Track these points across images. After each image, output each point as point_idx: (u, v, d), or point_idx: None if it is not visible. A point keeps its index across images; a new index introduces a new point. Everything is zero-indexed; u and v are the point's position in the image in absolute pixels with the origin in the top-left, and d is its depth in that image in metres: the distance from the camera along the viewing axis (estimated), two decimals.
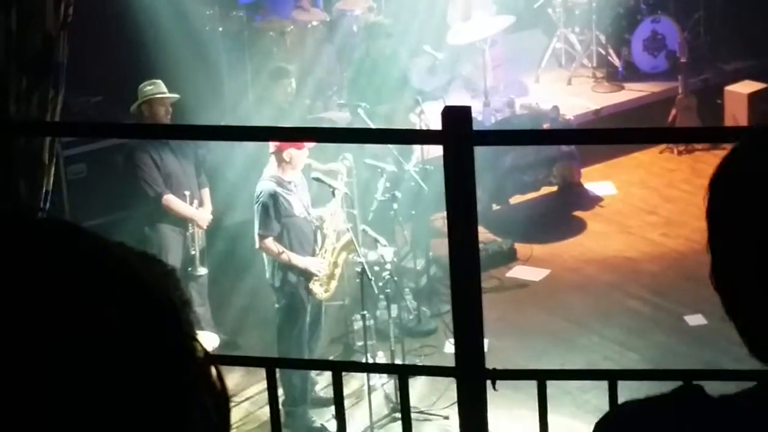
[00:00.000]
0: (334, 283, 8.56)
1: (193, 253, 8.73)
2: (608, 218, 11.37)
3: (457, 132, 3.72)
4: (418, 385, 8.21)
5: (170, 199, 8.72)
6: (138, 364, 1.00)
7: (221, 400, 1.06)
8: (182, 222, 8.79)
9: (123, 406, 0.98)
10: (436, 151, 9.57)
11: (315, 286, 8.40)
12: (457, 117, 3.76)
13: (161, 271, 1.07)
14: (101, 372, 0.98)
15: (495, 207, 11.28)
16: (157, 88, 8.85)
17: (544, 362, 8.47)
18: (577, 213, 11.51)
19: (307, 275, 8.37)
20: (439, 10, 12.35)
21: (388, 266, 8.53)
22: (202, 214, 8.88)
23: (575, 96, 12.84)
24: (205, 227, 8.90)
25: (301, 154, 8.29)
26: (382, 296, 8.73)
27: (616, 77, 13.21)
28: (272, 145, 8.24)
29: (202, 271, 8.78)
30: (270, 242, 8.26)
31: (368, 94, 10.19)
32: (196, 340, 1.05)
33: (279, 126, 8.23)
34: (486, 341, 4.04)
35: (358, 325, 8.92)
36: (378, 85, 10.36)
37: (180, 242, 8.73)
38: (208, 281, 9.02)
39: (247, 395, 8.31)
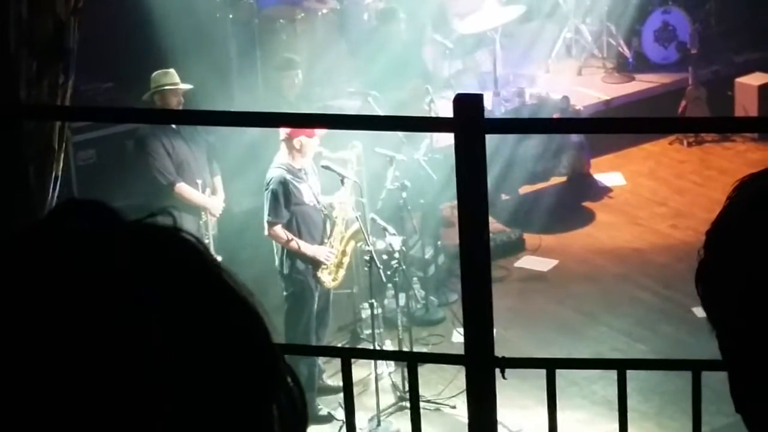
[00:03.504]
0: (342, 272, 8.56)
1: (207, 241, 8.73)
2: (617, 209, 11.36)
3: (469, 120, 3.71)
4: (424, 375, 8.19)
5: (183, 188, 8.73)
6: (231, 365, 1.03)
7: (298, 396, 1.09)
8: (195, 210, 8.80)
9: (213, 406, 1.02)
10: (445, 140, 9.59)
11: (323, 275, 8.41)
12: (468, 105, 3.75)
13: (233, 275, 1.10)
14: (195, 374, 1.01)
15: (504, 197, 11.27)
16: (169, 78, 8.84)
17: (551, 352, 8.46)
18: (586, 204, 11.50)
19: (315, 263, 8.38)
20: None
21: (397, 255, 8.53)
22: (215, 202, 8.89)
23: (585, 86, 12.81)
24: (218, 215, 8.90)
25: (312, 142, 8.29)
26: (390, 285, 8.73)
27: (626, 68, 13.18)
28: (283, 133, 8.24)
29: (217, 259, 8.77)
30: (279, 229, 8.27)
31: (384, 81, 10.17)
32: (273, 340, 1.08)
33: (289, 112, 8.22)
34: (494, 331, 4.04)
35: (365, 313, 8.92)
36: (394, 71, 10.33)
37: (193, 230, 8.66)
38: None
39: None
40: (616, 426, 4.15)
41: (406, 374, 7.64)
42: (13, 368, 0.97)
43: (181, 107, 8.84)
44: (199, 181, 8.80)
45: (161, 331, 1.00)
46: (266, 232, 8.34)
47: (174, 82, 8.84)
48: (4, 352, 0.98)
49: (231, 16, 11.81)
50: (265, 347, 1.06)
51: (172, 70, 8.94)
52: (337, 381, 8.11)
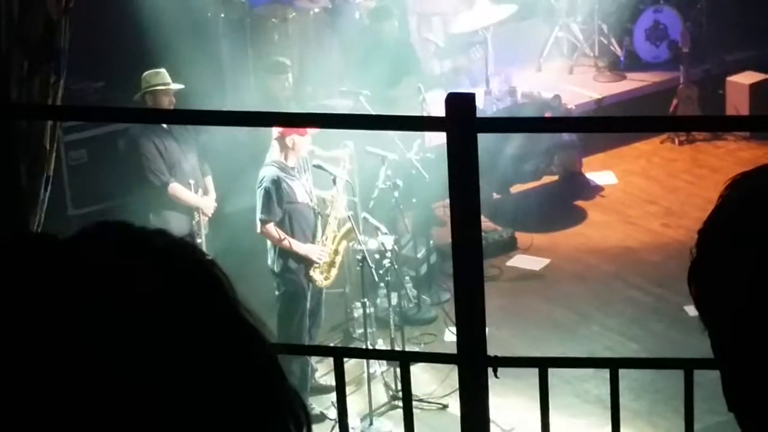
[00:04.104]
0: (334, 271, 8.56)
1: (199, 241, 8.73)
2: (609, 208, 11.37)
3: (461, 118, 3.71)
4: (416, 374, 8.20)
5: (176, 188, 8.73)
6: (236, 393, 1.04)
7: (303, 418, 1.09)
8: (188, 210, 8.80)
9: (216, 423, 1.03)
10: (438, 139, 9.59)
11: (315, 274, 8.41)
12: (460, 104, 3.75)
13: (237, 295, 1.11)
14: (199, 398, 1.01)
15: (495, 196, 11.27)
16: (161, 79, 8.83)
17: (544, 351, 8.46)
18: (578, 202, 11.51)
19: (307, 262, 8.37)
20: None
21: (389, 254, 8.53)
22: (208, 202, 8.89)
23: (577, 85, 12.83)
24: (210, 215, 8.91)
25: (304, 140, 8.29)
26: (382, 284, 8.73)
27: (617, 67, 13.19)
28: (275, 131, 8.24)
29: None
30: (271, 227, 8.27)
31: (378, 79, 10.16)
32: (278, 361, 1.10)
33: (282, 112, 8.22)
34: (486, 330, 4.04)
35: (358, 312, 8.92)
36: (389, 68, 10.32)
37: (185, 230, 8.72)
38: None
39: None
40: (608, 424, 4.15)
41: (398, 373, 7.64)
42: (23, 373, 0.97)
43: (172, 107, 8.83)
44: (192, 181, 8.80)
45: (171, 354, 1.00)
46: (258, 230, 8.34)
47: (165, 82, 8.83)
48: (18, 358, 0.98)
49: (222, 15, 11.80)
50: (267, 366, 1.07)
51: (163, 70, 8.93)
52: (329, 380, 8.12)
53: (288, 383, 1.08)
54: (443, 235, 9.65)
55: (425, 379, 8.44)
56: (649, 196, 11.51)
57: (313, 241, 8.44)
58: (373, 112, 9.20)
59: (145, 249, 1.06)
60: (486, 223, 10.30)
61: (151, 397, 0.98)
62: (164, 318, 1.01)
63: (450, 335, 8.96)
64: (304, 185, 8.39)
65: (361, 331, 8.78)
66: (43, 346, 0.98)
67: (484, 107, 11.01)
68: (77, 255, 1.04)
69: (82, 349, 0.98)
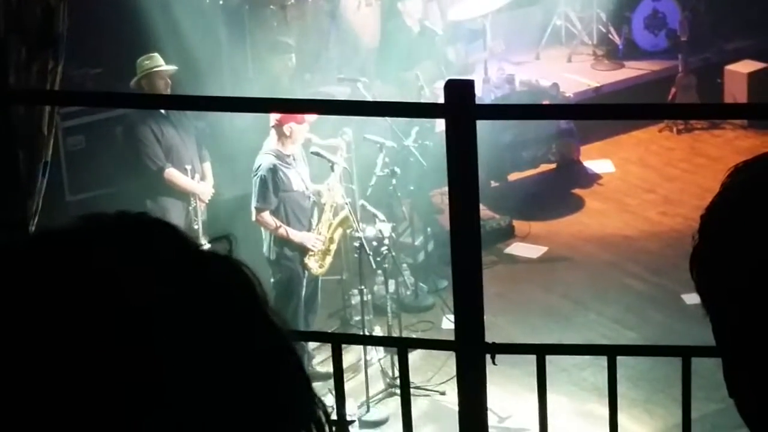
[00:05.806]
0: (329, 259, 8.56)
1: (195, 227, 8.73)
2: (607, 196, 11.37)
3: (460, 105, 3.71)
4: (414, 361, 8.20)
5: (172, 173, 8.73)
6: (241, 387, 1.03)
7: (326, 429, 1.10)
8: (184, 196, 8.80)
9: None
10: (435, 127, 9.58)
11: (310, 261, 8.42)
12: (459, 90, 3.75)
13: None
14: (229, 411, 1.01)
15: (493, 184, 11.27)
16: (154, 62, 8.86)
17: (541, 339, 8.47)
18: (576, 191, 11.51)
19: (302, 250, 8.38)
20: None
21: (386, 241, 8.53)
22: (204, 188, 8.89)
23: (575, 73, 12.81)
24: (207, 201, 8.91)
25: (302, 128, 8.28)
26: (379, 271, 8.73)
27: (616, 55, 13.18)
28: (273, 119, 8.24)
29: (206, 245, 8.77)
30: (267, 216, 8.27)
31: (400, 60, 10.20)
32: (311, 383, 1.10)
33: (280, 98, 8.21)
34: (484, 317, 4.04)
35: (355, 299, 8.92)
36: (409, 50, 10.35)
37: (182, 216, 8.72)
38: None
39: None
40: (605, 412, 4.16)
41: (395, 360, 7.65)
42: (30, 369, 0.97)
43: (168, 90, 8.85)
44: (189, 167, 8.81)
45: (168, 352, 1.00)
46: (254, 218, 8.35)
47: (158, 65, 8.85)
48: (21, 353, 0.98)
49: (221, 2, 11.78)
50: (296, 387, 1.08)
51: (155, 54, 8.96)
52: (326, 368, 8.12)
53: (312, 392, 1.08)
54: (441, 222, 9.66)
55: (422, 366, 8.44)
56: (647, 184, 11.51)
57: (309, 229, 8.44)
58: (374, 100, 9.21)
59: (163, 248, 1.06)
60: (483, 210, 10.27)
61: (143, 396, 0.97)
62: (167, 318, 1.01)
63: (447, 323, 8.96)
64: (300, 174, 8.39)
65: (358, 318, 8.78)
66: (40, 342, 0.97)
67: (482, 95, 10.99)
68: (90, 250, 1.04)
69: (79, 348, 0.97)
